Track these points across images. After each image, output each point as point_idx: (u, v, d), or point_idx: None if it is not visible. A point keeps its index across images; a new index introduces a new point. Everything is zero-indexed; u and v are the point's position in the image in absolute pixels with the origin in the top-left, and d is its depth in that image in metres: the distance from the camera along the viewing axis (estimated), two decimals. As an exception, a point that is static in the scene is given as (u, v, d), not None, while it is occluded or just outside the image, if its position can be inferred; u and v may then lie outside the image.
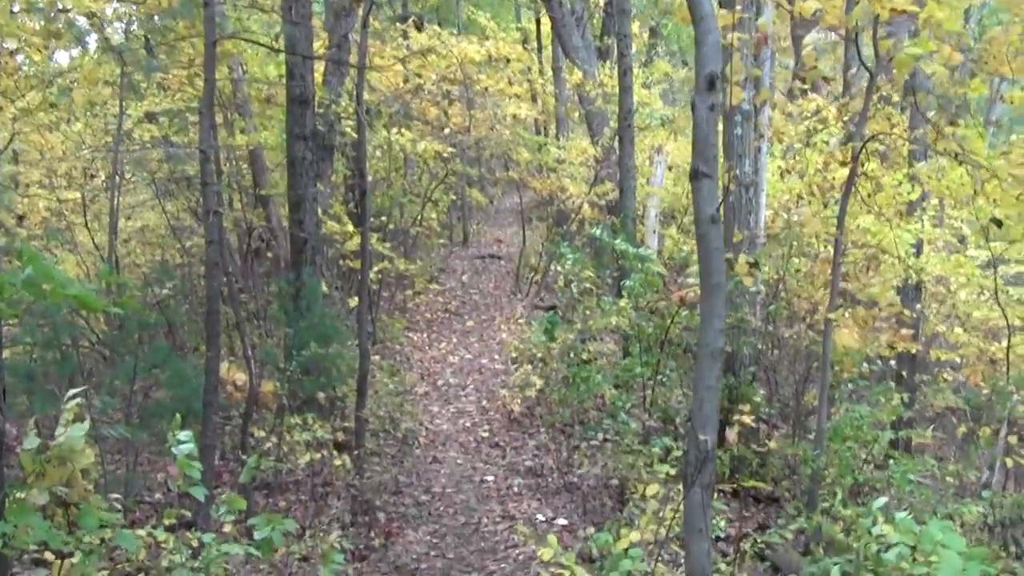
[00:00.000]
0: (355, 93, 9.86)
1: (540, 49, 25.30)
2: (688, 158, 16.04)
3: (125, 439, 7.60)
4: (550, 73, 21.73)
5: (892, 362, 11.86)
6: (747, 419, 8.42)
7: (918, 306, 12.55)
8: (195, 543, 4.99)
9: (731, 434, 8.83)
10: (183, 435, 4.45)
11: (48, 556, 4.95)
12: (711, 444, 4.50)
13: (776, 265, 10.82)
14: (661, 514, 6.78)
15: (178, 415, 4.58)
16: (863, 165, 8.16)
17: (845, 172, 11.62)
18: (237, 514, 5.11)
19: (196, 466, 4.41)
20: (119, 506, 4.99)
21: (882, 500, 5.33)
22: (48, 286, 3.90)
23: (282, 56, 11.58)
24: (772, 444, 9.63)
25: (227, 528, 4.84)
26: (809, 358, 10.92)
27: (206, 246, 7.38)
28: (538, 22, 26.12)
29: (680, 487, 6.81)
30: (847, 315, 9.65)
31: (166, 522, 4.93)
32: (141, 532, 5.23)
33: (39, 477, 4.77)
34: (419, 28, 11.90)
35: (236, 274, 13.43)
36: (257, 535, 4.46)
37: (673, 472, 7.25)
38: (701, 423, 4.51)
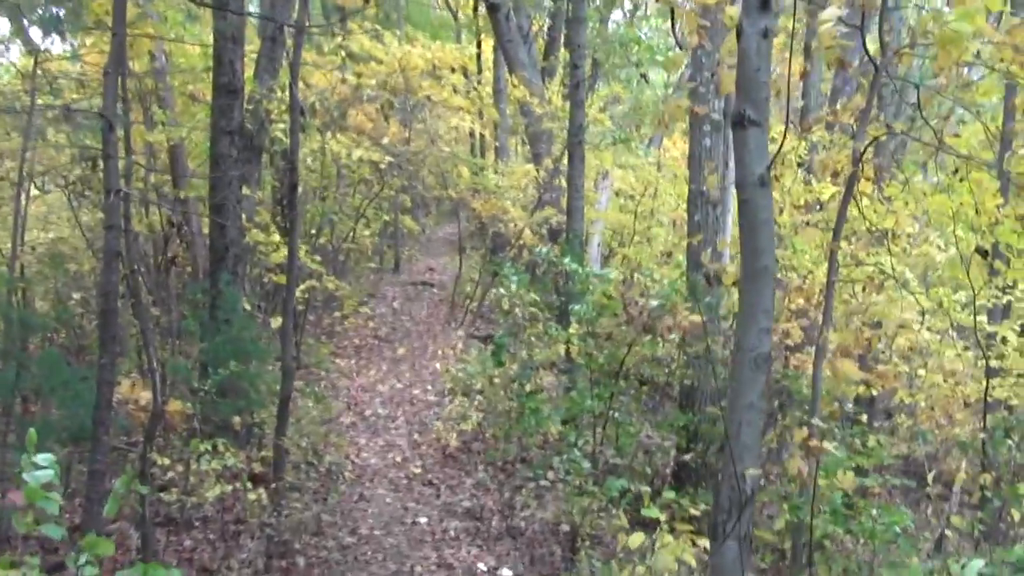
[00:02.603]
0: (291, 65, 8.76)
1: (480, 71, 24.38)
2: (632, 185, 15.06)
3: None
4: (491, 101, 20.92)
5: (849, 405, 11.04)
6: (801, 435, 6.85)
7: (880, 345, 11.75)
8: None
9: (799, 464, 7.09)
10: (41, 458, 3.26)
11: None
12: (753, 481, 3.49)
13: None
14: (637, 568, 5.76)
15: (32, 431, 3.38)
16: (863, 171, 7.18)
17: (821, 194, 10.85)
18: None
19: (53, 498, 3.24)
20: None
21: (979, 563, 4.35)
22: None
23: (210, 49, 10.44)
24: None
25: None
26: (780, 394, 10.00)
27: (104, 232, 6.23)
28: (478, 43, 25.26)
29: (662, 537, 5.82)
30: (848, 338, 8.66)
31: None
32: None
33: None
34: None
35: (148, 281, 12.24)
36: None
37: (663, 517, 6.19)
38: (740, 453, 3.51)
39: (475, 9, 26.64)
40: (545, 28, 24.68)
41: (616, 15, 26.71)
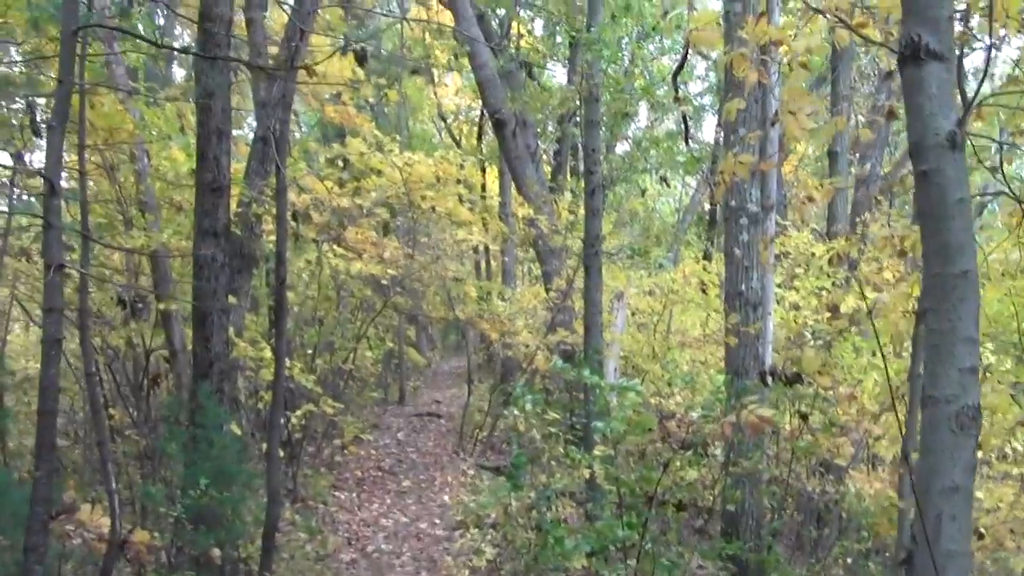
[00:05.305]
0: (276, 142, 7.84)
1: (484, 190, 23.80)
2: (648, 306, 14.01)
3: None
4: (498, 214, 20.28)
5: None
6: None
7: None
8: None
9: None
10: None
11: None
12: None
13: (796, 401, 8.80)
14: None
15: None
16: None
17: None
18: None
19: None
20: None
21: None
22: None
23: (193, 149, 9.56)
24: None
25: None
26: (842, 519, 8.83)
27: (44, 316, 5.20)
28: (483, 171, 24.66)
29: None
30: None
31: None
32: None
33: None
34: (360, 62, 9.94)
35: (127, 403, 11.18)
36: None
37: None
38: (942, 563, 2.35)
39: (479, 137, 26.19)
40: (551, 153, 24.10)
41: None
